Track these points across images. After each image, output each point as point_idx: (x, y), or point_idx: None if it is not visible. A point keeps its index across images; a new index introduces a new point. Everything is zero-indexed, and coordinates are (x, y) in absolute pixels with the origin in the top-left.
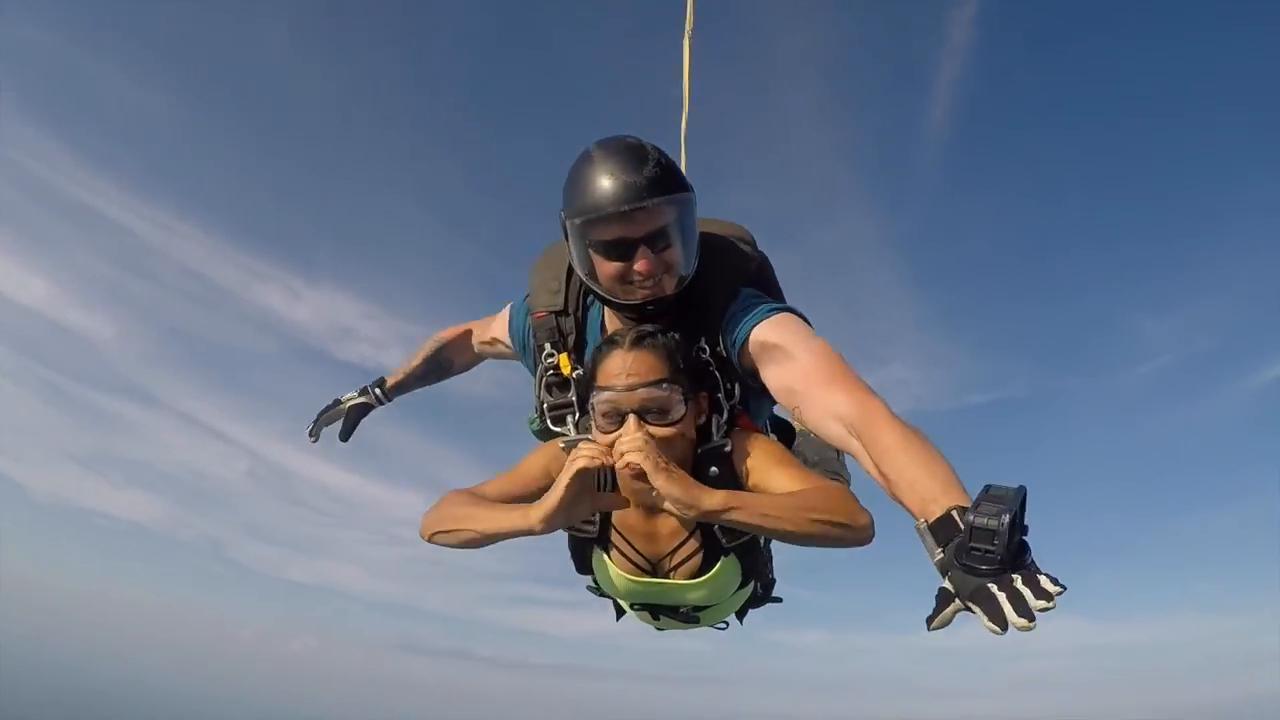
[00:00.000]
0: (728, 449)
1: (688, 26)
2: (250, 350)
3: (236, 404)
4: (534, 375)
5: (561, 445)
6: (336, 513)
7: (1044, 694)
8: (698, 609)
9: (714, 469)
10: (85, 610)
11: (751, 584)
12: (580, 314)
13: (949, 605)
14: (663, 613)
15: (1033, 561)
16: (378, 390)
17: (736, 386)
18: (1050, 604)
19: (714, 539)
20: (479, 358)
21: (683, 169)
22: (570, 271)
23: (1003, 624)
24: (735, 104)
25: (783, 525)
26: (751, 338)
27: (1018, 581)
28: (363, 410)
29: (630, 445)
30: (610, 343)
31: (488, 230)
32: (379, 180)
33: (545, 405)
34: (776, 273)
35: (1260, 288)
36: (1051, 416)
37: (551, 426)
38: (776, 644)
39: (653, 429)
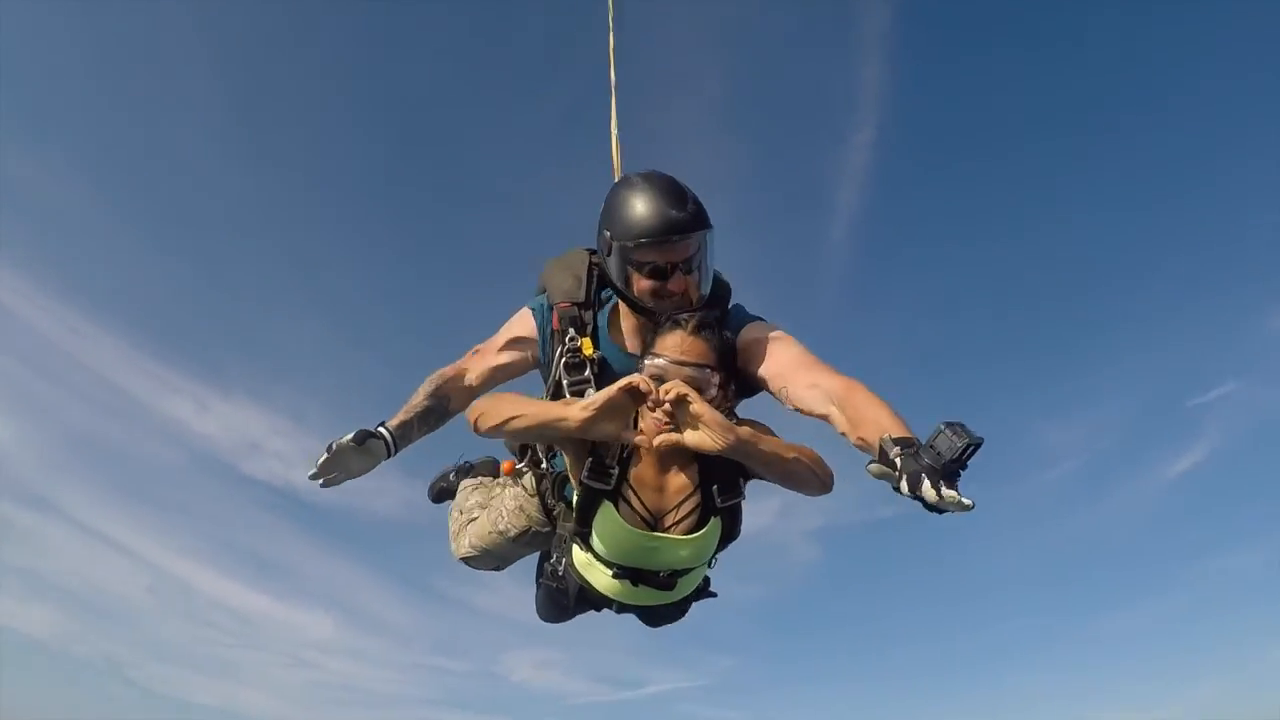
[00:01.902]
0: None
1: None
2: (156, 461)
3: (139, 516)
4: (550, 364)
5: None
6: (242, 633)
7: None
8: (675, 574)
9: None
10: None
11: (712, 559)
12: (595, 308)
13: (887, 470)
14: (643, 580)
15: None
16: (383, 427)
17: (733, 385)
18: (955, 502)
19: (710, 499)
20: (476, 393)
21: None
22: (590, 271)
23: (924, 491)
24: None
25: (785, 463)
26: (742, 336)
27: (946, 480)
28: (367, 436)
29: (675, 383)
30: (675, 322)
31: (388, 343)
32: (290, 290)
33: (565, 383)
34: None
35: (1156, 387)
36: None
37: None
38: None
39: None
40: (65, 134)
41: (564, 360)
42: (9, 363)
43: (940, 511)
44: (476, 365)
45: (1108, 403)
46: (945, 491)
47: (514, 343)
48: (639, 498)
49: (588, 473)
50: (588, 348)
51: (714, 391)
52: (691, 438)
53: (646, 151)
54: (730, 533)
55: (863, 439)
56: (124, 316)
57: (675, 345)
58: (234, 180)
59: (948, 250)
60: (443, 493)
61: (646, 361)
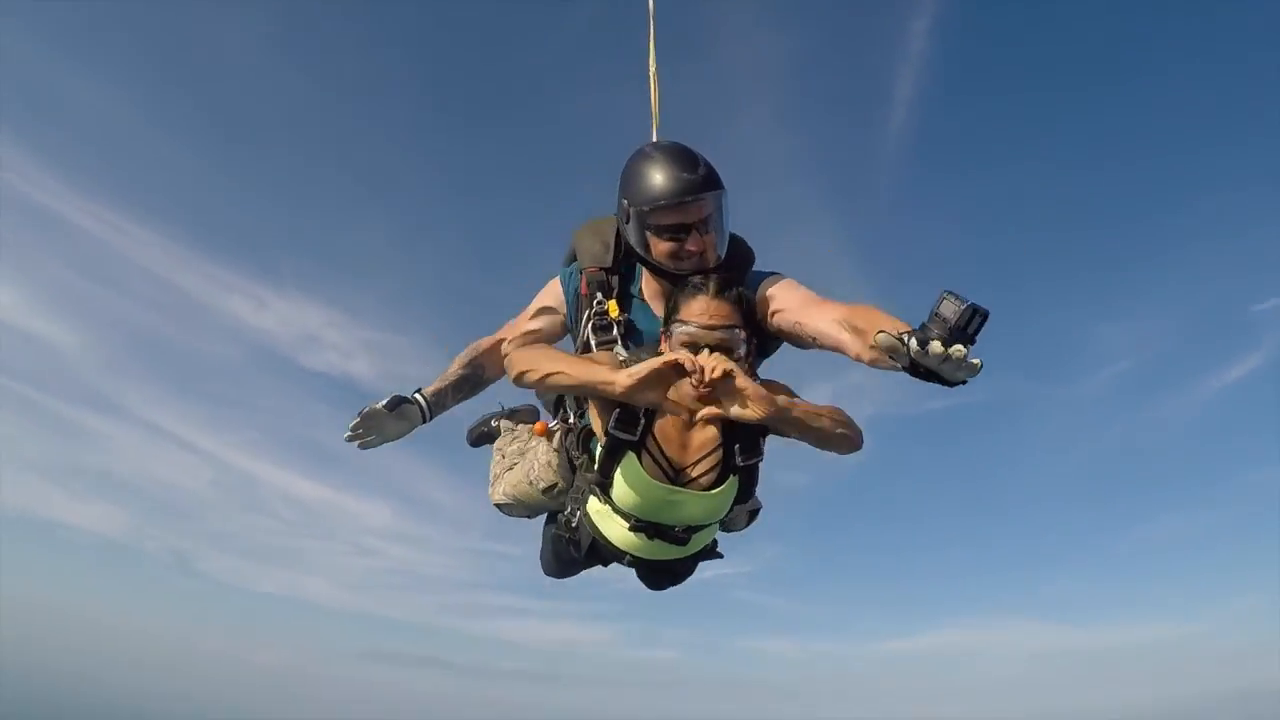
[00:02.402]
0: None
1: (651, 35)
2: (216, 359)
3: (201, 413)
4: (575, 327)
5: (621, 359)
6: (304, 523)
7: (1006, 697)
8: (689, 530)
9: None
10: (49, 623)
11: (725, 515)
12: (621, 272)
13: (895, 341)
14: (659, 534)
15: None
16: (418, 393)
17: (755, 341)
18: (966, 358)
19: (731, 458)
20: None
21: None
22: (618, 238)
23: (926, 348)
24: (694, 113)
25: (820, 425)
26: (759, 292)
27: (955, 343)
28: (401, 401)
29: (718, 359)
30: (696, 287)
31: (450, 239)
32: (346, 187)
33: (594, 344)
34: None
35: (1217, 292)
36: (1012, 422)
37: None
38: (745, 651)
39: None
40: (109, 41)
41: (591, 322)
42: (68, 273)
43: (950, 382)
44: (511, 335)
45: (1166, 305)
46: (954, 349)
47: (544, 311)
48: (662, 451)
49: (615, 423)
50: (614, 310)
51: (743, 349)
52: (735, 411)
53: (696, 42)
54: (746, 491)
55: (874, 345)
56: (179, 220)
57: (702, 310)
58: (287, 81)
59: (1010, 148)
60: (482, 437)
61: (676, 329)
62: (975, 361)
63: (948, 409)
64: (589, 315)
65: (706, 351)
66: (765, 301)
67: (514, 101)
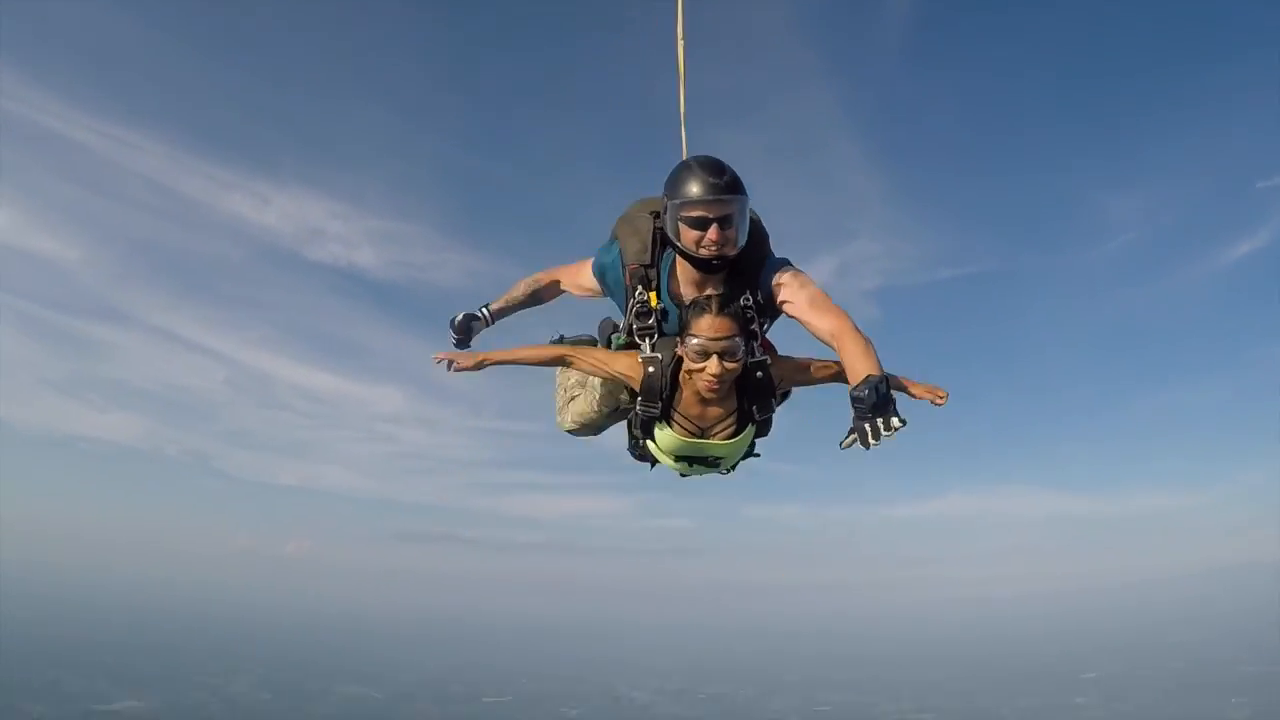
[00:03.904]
0: (766, 360)
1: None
2: (221, 259)
3: (210, 314)
4: (623, 307)
5: (641, 359)
6: (318, 414)
7: (1014, 562)
8: (718, 459)
9: (760, 373)
10: (79, 535)
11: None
12: (658, 265)
13: (850, 441)
14: (694, 461)
15: (893, 410)
16: (484, 309)
17: (768, 321)
18: (889, 433)
19: (746, 414)
20: (561, 293)
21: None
22: (653, 238)
23: (859, 441)
24: None
25: (824, 380)
26: (773, 282)
27: (876, 419)
28: (471, 318)
29: (716, 368)
30: (703, 307)
31: (453, 122)
32: (339, 77)
33: (635, 328)
34: (847, 207)
35: (1226, 166)
36: (1019, 291)
37: (636, 342)
38: (756, 518)
39: (726, 364)
40: None
41: (634, 309)
42: (66, 187)
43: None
44: (563, 275)
45: (1173, 177)
46: (870, 441)
47: (584, 280)
48: (685, 419)
49: (642, 402)
50: (653, 300)
51: (742, 352)
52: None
53: None
54: (764, 430)
55: (841, 446)
56: (174, 122)
57: (708, 326)
58: None
59: (1017, 7)
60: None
61: (689, 341)
62: (895, 423)
63: (955, 279)
64: (632, 303)
65: (715, 358)
66: (776, 291)
67: None
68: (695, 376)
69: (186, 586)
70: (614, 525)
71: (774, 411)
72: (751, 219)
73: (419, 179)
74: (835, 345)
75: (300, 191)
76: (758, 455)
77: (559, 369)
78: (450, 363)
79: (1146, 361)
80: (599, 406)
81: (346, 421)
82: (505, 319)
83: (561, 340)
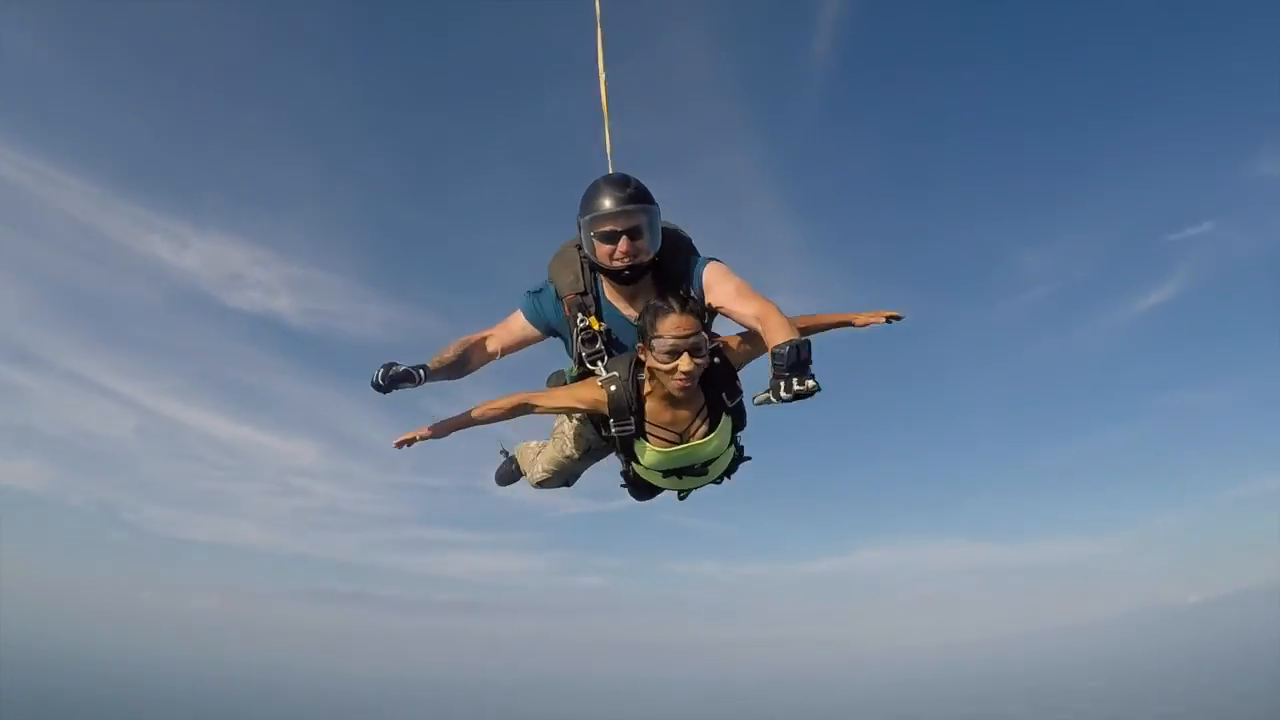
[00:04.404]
0: (718, 345)
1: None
2: (137, 303)
3: (123, 360)
4: (569, 340)
5: (599, 382)
6: (229, 466)
7: (931, 612)
8: (708, 463)
9: (716, 359)
10: None
11: (737, 442)
12: (592, 290)
13: (766, 398)
14: (684, 473)
15: (810, 373)
16: (420, 369)
17: (706, 314)
18: (802, 388)
19: (717, 405)
20: (493, 356)
21: (605, 118)
22: (582, 264)
23: (772, 395)
24: (618, 35)
25: (761, 347)
26: (702, 277)
27: (792, 377)
28: (403, 377)
29: (688, 365)
30: (667, 308)
31: (377, 172)
32: (266, 121)
33: (585, 355)
34: (764, 260)
35: (1135, 220)
36: (935, 344)
37: (589, 369)
38: (674, 574)
39: (695, 360)
40: None
41: (580, 337)
42: None
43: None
44: (494, 336)
45: (1086, 232)
46: (782, 394)
47: (516, 328)
48: (659, 429)
49: (614, 426)
50: (595, 324)
51: (707, 346)
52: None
53: None
54: (740, 422)
55: (755, 401)
56: (95, 159)
57: (674, 325)
58: (201, 14)
59: (934, 69)
60: (510, 476)
61: (657, 343)
62: (810, 384)
63: (870, 332)
64: (575, 332)
65: (686, 355)
66: (705, 287)
67: (438, 19)
68: (665, 378)
69: (86, 642)
70: (528, 583)
71: (741, 392)
72: (669, 227)
73: (341, 227)
74: (760, 327)
75: (221, 235)
76: (749, 459)
77: (521, 444)
78: (410, 441)
79: (1058, 411)
80: (571, 450)
81: (259, 474)
82: (438, 383)
83: (504, 453)
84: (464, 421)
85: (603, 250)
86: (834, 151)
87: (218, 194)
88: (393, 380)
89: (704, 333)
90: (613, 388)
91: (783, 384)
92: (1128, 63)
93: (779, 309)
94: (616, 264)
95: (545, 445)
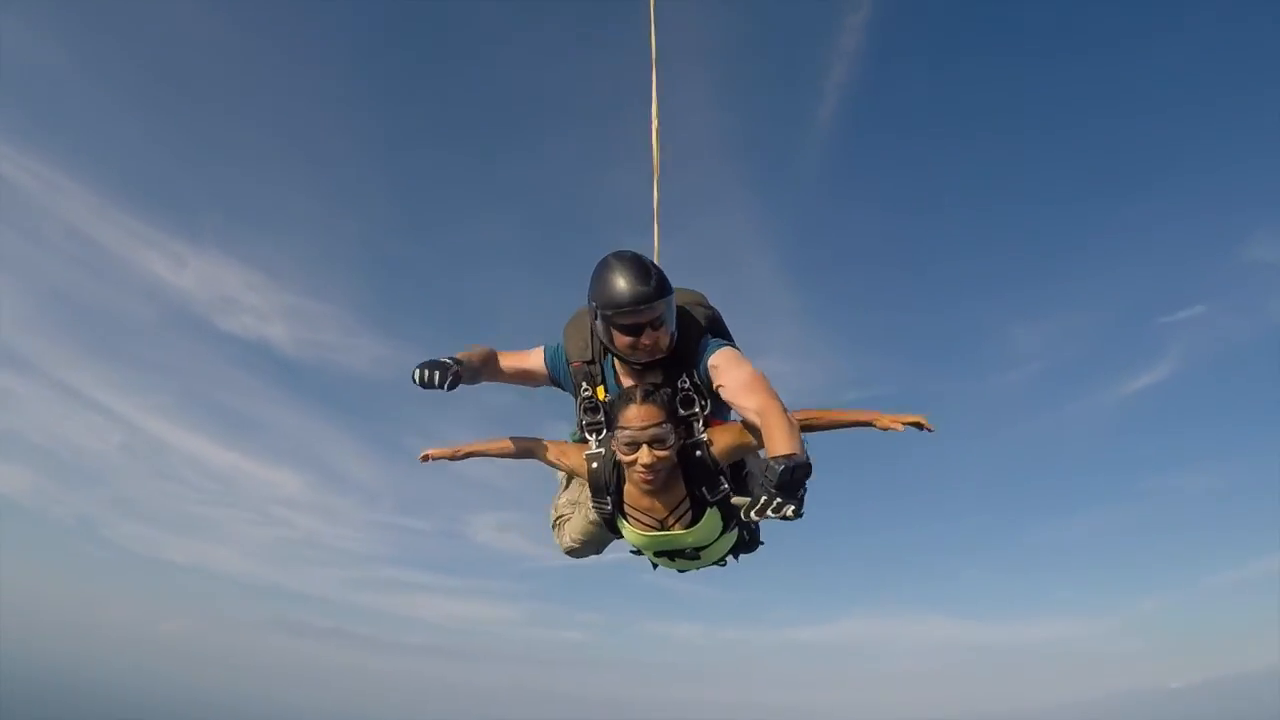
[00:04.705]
0: (705, 438)
1: (653, 46)
2: (131, 318)
3: (114, 374)
4: (575, 400)
5: (586, 455)
6: (213, 490)
7: (908, 688)
8: (698, 549)
9: (699, 453)
10: None
11: (735, 529)
12: (600, 361)
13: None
14: (675, 555)
15: (799, 499)
16: (457, 366)
17: (709, 401)
18: (780, 514)
19: (700, 499)
20: (499, 377)
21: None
22: (592, 334)
23: (747, 508)
24: (623, 89)
25: (755, 444)
26: (709, 365)
27: (777, 497)
28: (453, 373)
29: (648, 458)
30: (628, 397)
31: (380, 206)
32: (274, 143)
33: (584, 424)
34: (759, 324)
35: (1129, 301)
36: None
37: (586, 437)
38: (653, 635)
39: (656, 453)
40: None
41: (582, 405)
42: None
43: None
44: (505, 358)
45: (1080, 311)
46: (754, 515)
47: (530, 366)
48: (637, 513)
49: (592, 503)
50: (600, 394)
51: (672, 438)
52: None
53: (627, 17)
54: (729, 514)
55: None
56: (102, 170)
57: (634, 416)
58: (218, 35)
59: (936, 144)
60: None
61: (618, 434)
62: (790, 513)
63: (861, 400)
64: (580, 400)
65: (645, 448)
66: (712, 373)
67: (448, 58)
68: (628, 470)
69: (53, 654)
70: (505, 632)
71: (724, 489)
72: (684, 306)
73: (339, 258)
74: (760, 424)
75: (219, 257)
76: (762, 543)
77: (557, 494)
78: (438, 457)
79: (1046, 490)
80: (596, 518)
81: (241, 501)
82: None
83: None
84: (481, 448)
85: (623, 341)
86: (833, 217)
87: (218, 214)
88: (454, 377)
89: (669, 424)
90: (594, 465)
91: (763, 502)
92: (1126, 143)
93: (783, 410)
94: (638, 357)
95: (568, 513)
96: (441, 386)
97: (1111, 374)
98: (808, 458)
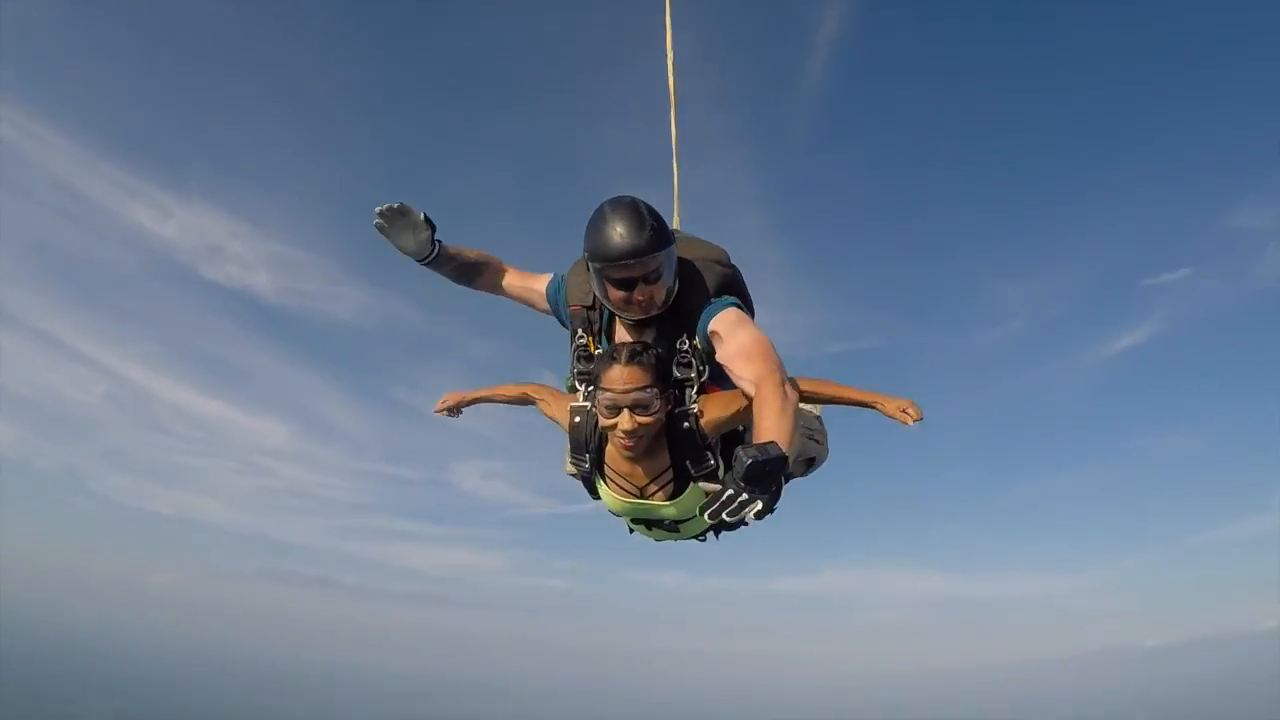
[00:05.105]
0: (695, 408)
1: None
2: (114, 267)
3: (97, 324)
4: (570, 344)
5: (570, 406)
6: (198, 440)
7: (889, 640)
8: (678, 522)
9: (686, 424)
10: None
11: (699, 510)
12: (600, 309)
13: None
14: (653, 525)
15: (768, 491)
16: (439, 241)
17: (707, 368)
18: (735, 518)
19: (685, 471)
20: (501, 290)
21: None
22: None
23: (709, 505)
24: (613, 40)
25: (746, 417)
26: (709, 328)
27: (744, 492)
28: (432, 226)
29: (629, 424)
30: (611, 357)
31: (367, 155)
32: (258, 94)
33: (576, 371)
34: (746, 278)
35: (1114, 262)
36: (906, 371)
37: (576, 386)
38: (636, 583)
39: (638, 418)
40: None
41: (575, 353)
42: None
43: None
44: (510, 274)
45: (1064, 269)
46: (709, 514)
47: (535, 288)
48: (618, 477)
49: (570, 458)
50: (592, 346)
51: (658, 404)
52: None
53: None
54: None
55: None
56: (84, 120)
57: (616, 377)
58: None
59: (927, 97)
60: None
61: (599, 395)
62: (749, 513)
63: (845, 353)
64: (574, 345)
65: (626, 412)
66: (713, 336)
67: (440, 9)
68: (609, 435)
69: (42, 606)
70: (490, 580)
71: (711, 463)
72: (695, 260)
73: (324, 207)
74: (753, 395)
75: (203, 206)
76: (746, 524)
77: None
78: (445, 409)
79: (1028, 447)
80: (572, 472)
81: (226, 451)
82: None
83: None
84: (481, 395)
85: (616, 295)
86: (821, 171)
87: (203, 164)
88: (437, 248)
89: (655, 388)
90: (576, 419)
91: (722, 501)
92: (1117, 104)
93: (781, 384)
94: (632, 311)
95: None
96: (418, 259)
97: (1096, 334)
98: (785, 451)
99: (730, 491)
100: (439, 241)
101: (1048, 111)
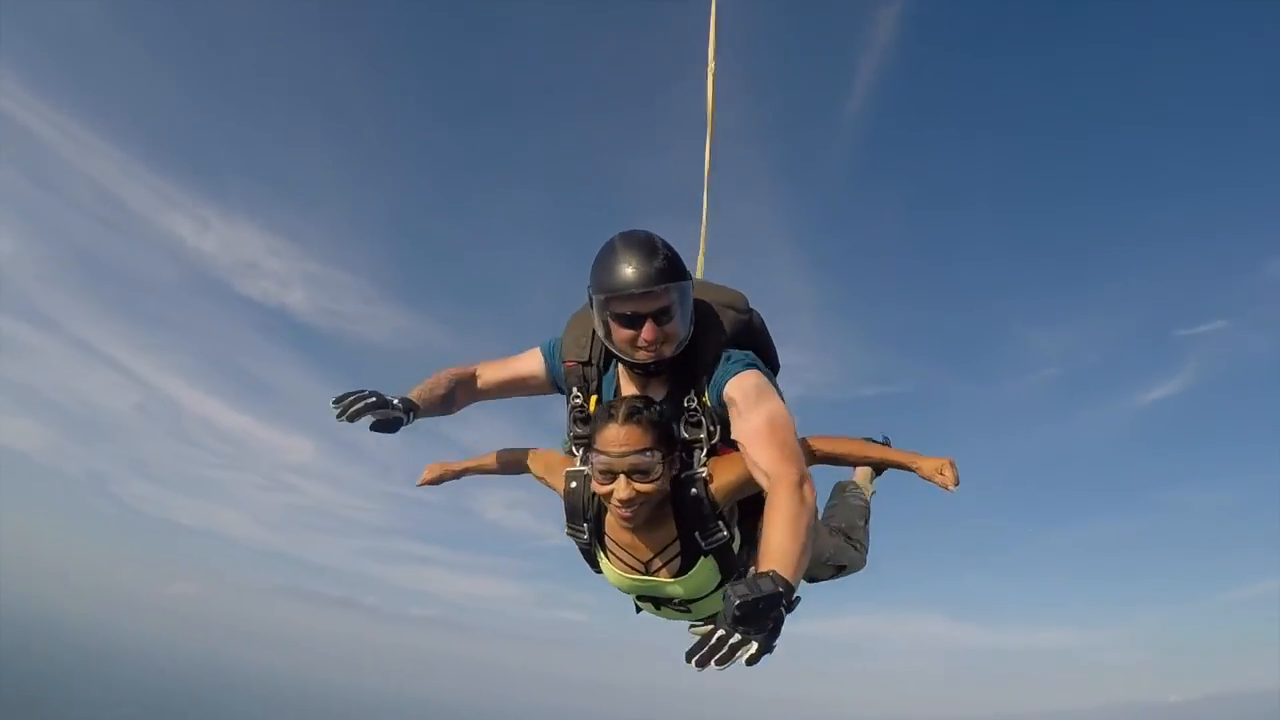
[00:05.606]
0: (704, 473)
1: (711, 53)
2: (152, 278)
3: (132, 333)
4: (566, 405)
5: (566, 471)
6: (225, 454)
7: (908, 687)
8: (688, 601)
9: (694, 490)
10: None
11: (714, 589)
12: (601, 365)
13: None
14: (661, 603)
15: (763, 631)
16: (411, 413)
17: (719, 429)
18: (720, 666)
19: (694, 544)
20: (484, 393)
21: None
22: (594, 333)
23: (692, 651)
24: (653, 70)
25: (755, 489)
26: (724, 393)
27: (735, 633)
28: (395, 424)
29: (625, 491)
30: (608, 415)
31: (405, 178)
32: (302, 112)
33: (572, 435)
34: (776, 317)
35: (1148, 312)
36: (936, 417)
37: (572, 451)
38: (651, 619)
39: (636, 485)
40: None
41: (572, 413)
42: (11, 175)
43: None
44: (486, 373)
45: (1098, 318)
46: (694, 659)
47: (519, 368)
48: (619, 549)
49: (566, 527)
50: (591, 405)
51: (659, 468)
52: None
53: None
54: (728, 564)
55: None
56: (129, 129)
57: (613, 439)
58: (257, 2)
59: (964, 140)
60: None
61: (593, 458)
62: (749, 654)
63: (877, 396)
64: (570, 406)
65: (623, 478)
66: (729, 400)
67: (485, 31)
68: (605, 502)
69: (61, 608)
70: (507, 609)
71: (723, 534)
72: (710, 303)
73: (362, 228)
74: (767, 492)
75: (242, 221)
76: (785, 607)
77: None
78: (434, 480)
79: (1057, 497)
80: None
81: (252, 466)
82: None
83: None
84: (473, 465)
85: (621, 335)
86: (856, 212)
87: (245, 179)
88: (379, 421)
89: (657, 451)
90: (572, 485)
91: (717, 641)
92: (1155, 152)
93: (798, 484)
94: (639, 355)
95: None
96: (382, 429)
97: (1127, 384)
98: (789, 581)
99: (720, 633)
100: (409, 400)
101: (1084, 158)
